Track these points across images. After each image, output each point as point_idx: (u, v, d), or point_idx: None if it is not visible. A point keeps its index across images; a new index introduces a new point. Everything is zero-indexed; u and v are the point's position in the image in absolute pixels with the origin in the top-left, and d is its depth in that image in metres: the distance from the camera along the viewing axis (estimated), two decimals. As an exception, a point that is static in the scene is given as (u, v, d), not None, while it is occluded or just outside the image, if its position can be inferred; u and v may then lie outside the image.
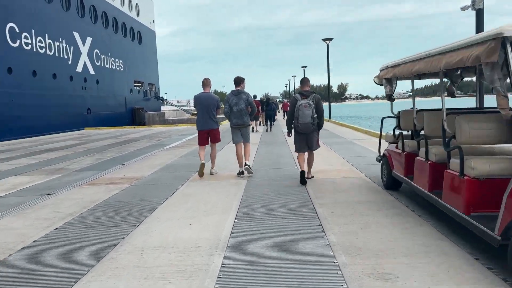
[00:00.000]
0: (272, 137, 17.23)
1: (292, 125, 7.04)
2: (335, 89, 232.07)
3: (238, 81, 7.96)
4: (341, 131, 19.00)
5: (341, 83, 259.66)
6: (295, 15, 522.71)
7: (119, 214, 5.62)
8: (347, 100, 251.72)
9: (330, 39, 27.90)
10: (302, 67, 49.33)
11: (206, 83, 8.13)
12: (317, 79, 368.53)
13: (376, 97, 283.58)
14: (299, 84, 7.45)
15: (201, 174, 7.98)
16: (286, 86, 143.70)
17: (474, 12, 8.07)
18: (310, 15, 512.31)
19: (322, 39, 28.07)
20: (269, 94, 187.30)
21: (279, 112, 35.91)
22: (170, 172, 8.99)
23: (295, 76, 71.74)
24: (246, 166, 7.84)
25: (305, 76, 9.27)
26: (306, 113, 6.76)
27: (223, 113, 8.15)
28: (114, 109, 36.54)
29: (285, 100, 58.61)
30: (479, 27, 7.94)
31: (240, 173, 7.93)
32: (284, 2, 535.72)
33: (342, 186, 6.84)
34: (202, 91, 8.15)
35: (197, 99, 8.03)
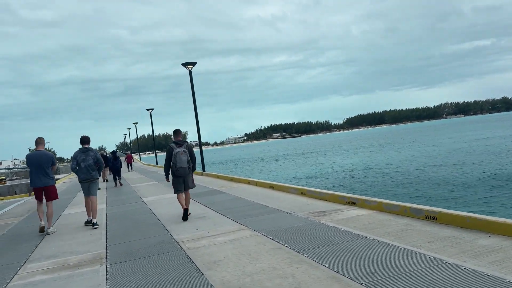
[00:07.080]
0: (127, 208, 8.87)
1: (170, 171, 8.02)
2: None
3: (86, 140, 8.58)
4: (249, 192, 11.58)
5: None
6: (123, 68, 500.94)
7: None
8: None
9: (193, 64, 20.81)
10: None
11: (39, 141, 8.21)
12: (160, 129, 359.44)
13: (215, 143, 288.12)
14: (172, 135, 8.47)
15: (41, 230, 8.11)
16: (125, 137, 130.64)
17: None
18: (139, 68, 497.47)
19: (182, 64, 20.80)
20: (103, 147, 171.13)
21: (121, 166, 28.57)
22: None
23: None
24: (94, 226, 8.25)
25: (178, 128, 8.39)
26: (183, 159, 7.87)
27: (71, 169, 8.66)
28: None
29: (128, 152, 51.35)
30: None
31: (88, 222, 8.60)
32: (110, 54, 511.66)
33: None
34: (35, 149, 8.27)
35: (30, 157, 8.13)
